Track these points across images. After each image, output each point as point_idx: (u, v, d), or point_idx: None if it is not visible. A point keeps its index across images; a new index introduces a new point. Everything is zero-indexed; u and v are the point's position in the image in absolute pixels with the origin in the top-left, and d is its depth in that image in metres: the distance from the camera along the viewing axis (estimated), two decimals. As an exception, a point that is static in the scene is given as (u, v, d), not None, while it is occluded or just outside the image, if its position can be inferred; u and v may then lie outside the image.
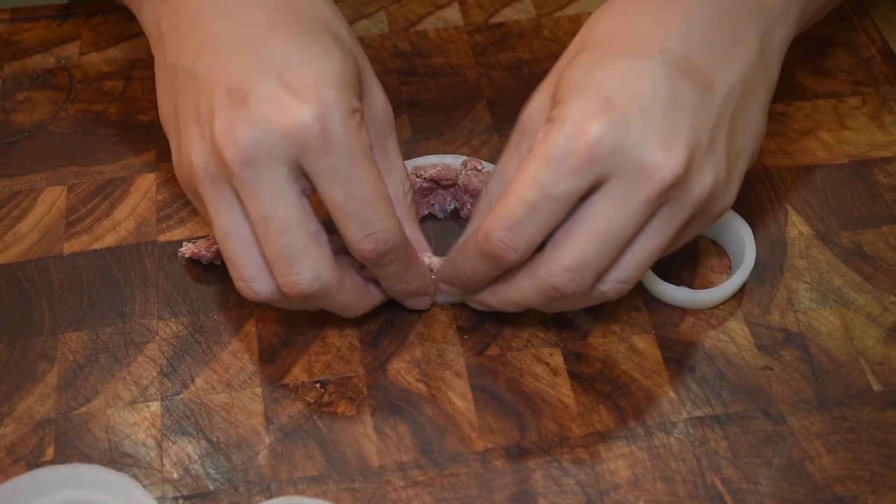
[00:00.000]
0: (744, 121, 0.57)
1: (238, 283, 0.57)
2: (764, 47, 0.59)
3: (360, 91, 0.57)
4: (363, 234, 0.55)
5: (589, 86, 0.54)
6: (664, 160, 0.53)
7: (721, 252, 0.66)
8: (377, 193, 0.55)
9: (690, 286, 0.63)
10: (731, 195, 0.57)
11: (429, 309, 0.63)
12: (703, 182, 0.54)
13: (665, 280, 0.63)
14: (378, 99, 0.60)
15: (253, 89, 0.54)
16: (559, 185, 0.53)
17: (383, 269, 0.58)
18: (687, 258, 0.65)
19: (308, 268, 0.55)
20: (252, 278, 0.56)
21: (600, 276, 0.55)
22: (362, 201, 0.55)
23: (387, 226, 0.56)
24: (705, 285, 0.64)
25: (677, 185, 0.53)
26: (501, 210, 0.54)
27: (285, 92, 0.54)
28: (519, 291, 0.57)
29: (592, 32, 0.58)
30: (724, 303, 0.63)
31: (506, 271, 0.57)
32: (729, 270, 0.65)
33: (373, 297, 0.60)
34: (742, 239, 0.64)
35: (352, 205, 0.54)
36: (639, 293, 0.63)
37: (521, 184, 0.54)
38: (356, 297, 0.59)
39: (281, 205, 0.54)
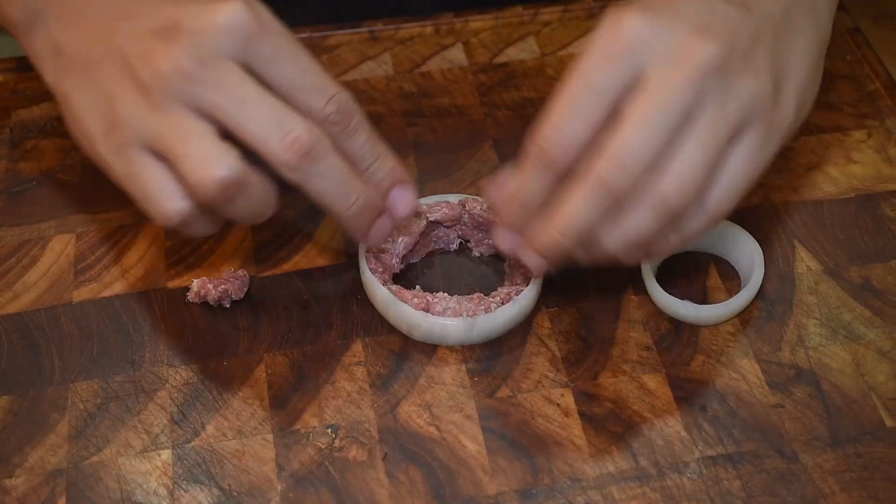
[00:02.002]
0: (788, 45, 0.58)
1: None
2: None
3: None
4: (326, 98, 0.57)
5: (626, 5, 0.56)
6: (698, 44, 0.54)
7: (733, 275, 0.66)
8: (321, 67, 0.58)
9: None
10: (787, 112, 0.57)
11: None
12: (744, 82, 0.55)
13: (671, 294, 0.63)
14: None
15: (181, 17, 0.56)
16: (598, 74, 0.54)
17: (356, 137, 0.59)
18: (696, 276, 0.66)
19: (298, 121, 0.56)
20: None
21: (649, 172, 0.54)
22: (314, 71, 0.58)
23: (341, 88, 0.58)
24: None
25: (716, 73, 0.54)
26: (550, 110, 0.56)
27: (211, 2, 0.56)
28: (573, 205, 0.55)
29: None
30: (728, 320, 0.63)
31: (560, 183, 0.56)
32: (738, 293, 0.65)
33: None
34: (752, 258, 0.64)
35: (308, 76, 0.57)
36: (647, 332, 0.63)
37: (565, 83, 0.55)
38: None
39: (248, 83, 0.56)
